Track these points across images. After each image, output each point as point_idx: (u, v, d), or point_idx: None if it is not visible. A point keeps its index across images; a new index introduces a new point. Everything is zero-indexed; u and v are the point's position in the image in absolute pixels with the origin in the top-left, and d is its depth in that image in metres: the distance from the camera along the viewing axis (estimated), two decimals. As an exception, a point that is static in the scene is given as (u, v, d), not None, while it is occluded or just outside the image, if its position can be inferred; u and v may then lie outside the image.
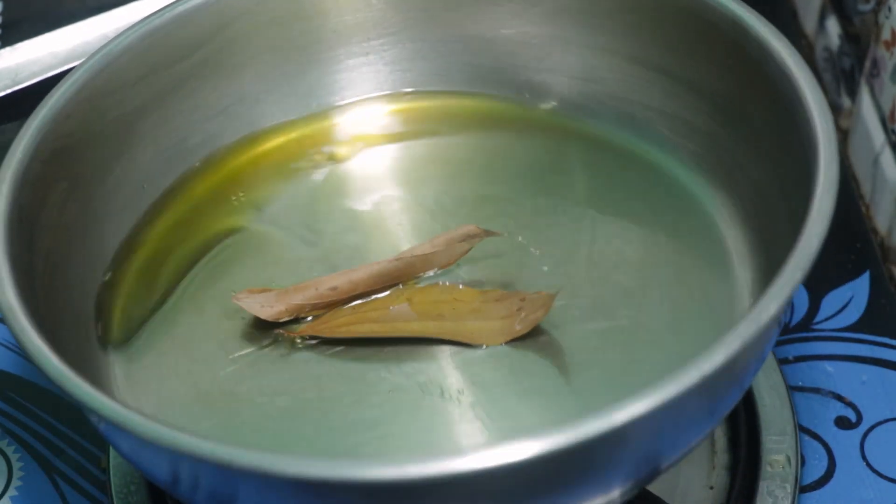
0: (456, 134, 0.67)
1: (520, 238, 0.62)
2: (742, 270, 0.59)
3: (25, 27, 0.78)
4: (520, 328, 0.57)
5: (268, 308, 0.58)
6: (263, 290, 0.59)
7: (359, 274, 0.59)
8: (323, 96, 0.68)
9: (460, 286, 0.59)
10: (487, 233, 0.59)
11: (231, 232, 0.64)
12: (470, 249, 0.60)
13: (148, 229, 0.63)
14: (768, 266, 0.58)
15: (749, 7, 0.59)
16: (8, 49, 0.75)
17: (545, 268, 0.60)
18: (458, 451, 0.45)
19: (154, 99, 0.63)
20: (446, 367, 0.57)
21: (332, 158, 0.67)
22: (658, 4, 0.63)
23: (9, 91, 0.74)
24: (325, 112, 0.68)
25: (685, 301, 0.59)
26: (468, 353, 0.58)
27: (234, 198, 0.65)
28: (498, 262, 0.61)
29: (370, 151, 0.67)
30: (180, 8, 0.63)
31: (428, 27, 0.67)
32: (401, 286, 0.59)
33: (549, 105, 0.67)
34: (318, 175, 0.66)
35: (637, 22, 0.64)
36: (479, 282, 0.60)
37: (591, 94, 0.66)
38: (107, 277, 0.61)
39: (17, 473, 0.63)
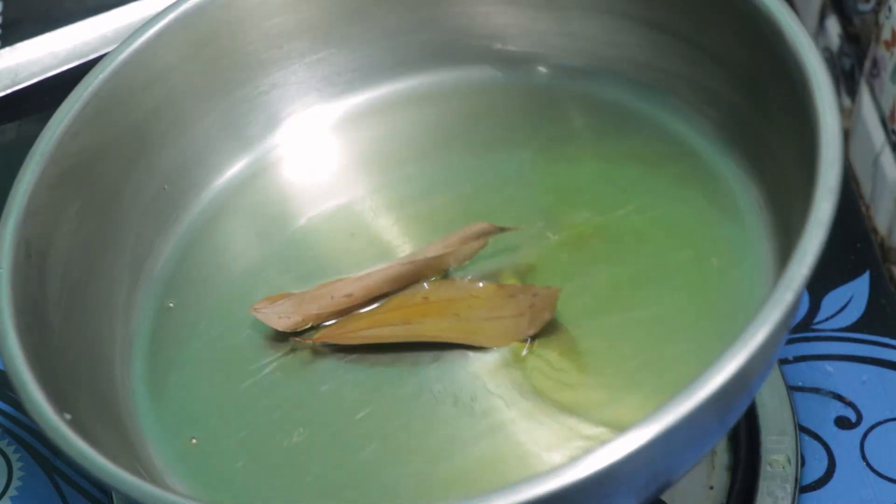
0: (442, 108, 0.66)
1: (538, 224, 0.60)
2: (762, 252, 0.57)
3: (25, 27, 0.78)
4: (529, 329, 0.57)
5: (285, 319, 0.58)
6: (280, 298, 0.59)
7: (373, 279, 0.59)
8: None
9: (479, 284, 0.58)
10: (501, 229, 0.59)
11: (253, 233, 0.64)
12: (485, 245, 0.59)
13: (169, 235, 0.63)
14: (789, 250, 0.57)
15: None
16: (8, 49, 0.75)
17: (564, 255, 0.59)
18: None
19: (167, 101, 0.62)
20: (459, 372, 0.57)
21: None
22: None
23: (9, 91, 0.74)
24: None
25: (703, 288, 0.57)
26: (482, 356, 0.57)
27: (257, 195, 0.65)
28: (515, 251, 0.60)
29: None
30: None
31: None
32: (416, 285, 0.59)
33: (544, 72, 0.66)
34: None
35: None
36: (495, 273, 0.59)
37: (610, 59, 0.65)
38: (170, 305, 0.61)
39: (17, 473, 0.63)
